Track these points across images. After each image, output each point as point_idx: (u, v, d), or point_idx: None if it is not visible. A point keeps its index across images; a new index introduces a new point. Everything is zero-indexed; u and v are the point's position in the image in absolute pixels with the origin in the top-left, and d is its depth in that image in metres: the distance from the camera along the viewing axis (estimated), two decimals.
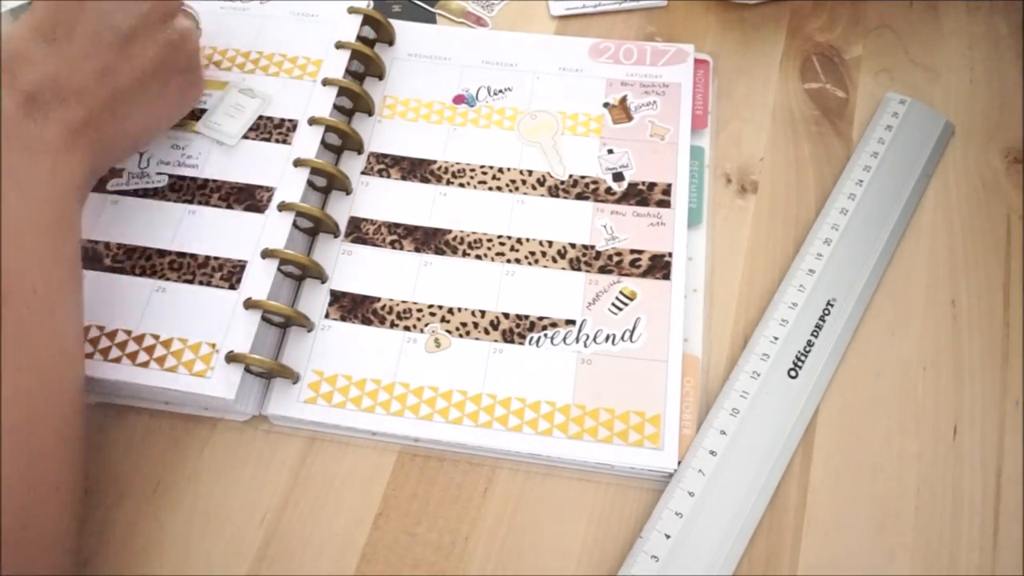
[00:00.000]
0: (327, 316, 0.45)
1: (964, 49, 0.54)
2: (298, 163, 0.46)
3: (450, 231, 0.47)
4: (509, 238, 0.47)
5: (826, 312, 0.44)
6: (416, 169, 0.49)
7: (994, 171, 0.50)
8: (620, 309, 0.44)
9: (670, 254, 0.46)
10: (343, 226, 0.47)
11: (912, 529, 0.40)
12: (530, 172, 0.49)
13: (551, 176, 0.48)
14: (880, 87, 0.53)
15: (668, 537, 0.39)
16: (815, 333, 0.44)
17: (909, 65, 0.54)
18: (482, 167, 0.49)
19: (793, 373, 0.43)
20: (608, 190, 0.48)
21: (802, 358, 0.43)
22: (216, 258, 0.44)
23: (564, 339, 0.44)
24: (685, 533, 0.39)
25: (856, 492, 0.41)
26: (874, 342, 0.45)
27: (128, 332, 0.42)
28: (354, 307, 0.45)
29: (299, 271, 0.45)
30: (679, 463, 0.41)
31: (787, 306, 0.45)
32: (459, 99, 0.52)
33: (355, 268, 0.46)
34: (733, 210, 0.49)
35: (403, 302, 0.45)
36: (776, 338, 0.44)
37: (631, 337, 0.44)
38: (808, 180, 0.50)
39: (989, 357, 0.44)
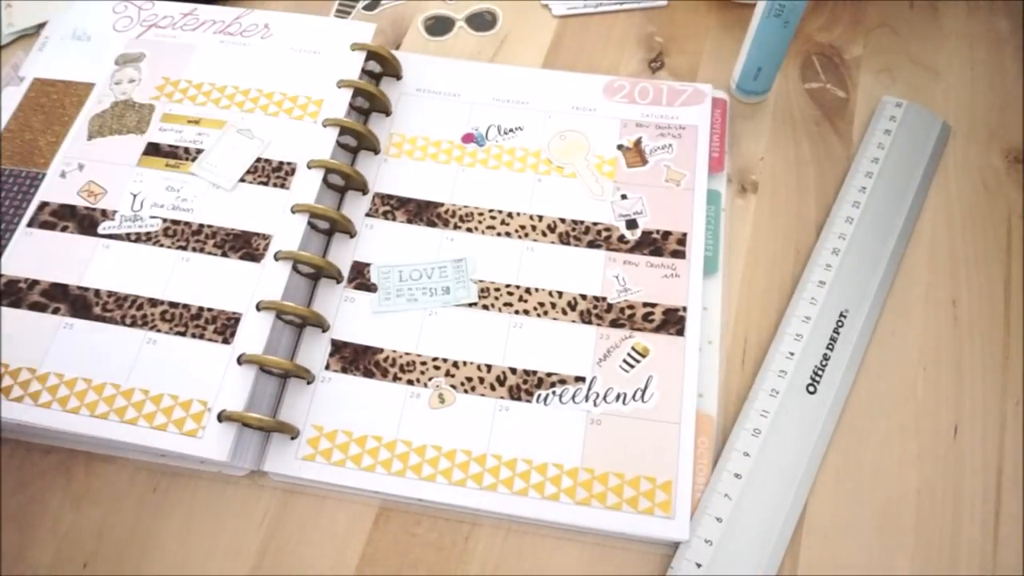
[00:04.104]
0: (328, 367, 0.43)
1: (964, 49, 0.54)
2: (296, 209, 0.44)
3: None
4: (517, 287, 0.45)
5: (839, 324, 0.44)
6: (423, 212, 0.47)
7: (995, 171, 0.49)
8: (632, 366, 0.42)
9: (684, 308, 0.44)
10: (346, 271, 0.45)
11: (912, 529, 0.40)
12: (540, 217, 0.47)
13: (591, 194, 0.47)
14: (880, 87, 0.52)
15: (699, 566, 0.38)
16: (830, 346, 0.43)
17: (909, 65, 0.53)
18: (491, 211, 0.47)
19: (812, 388, 0.42)
20: (621, 238, 0.46)
21: (819, 372, 0.42)
22: (210, 309, 0.42)
23: (573, 397, 0.42)
24: (717, 560, 0.38)
25: (856, 492, 0.41)
26: (874, 343, 0.44)
27: (116, 386, 0.40)
28: (356, 358, 0.43)
29: (299, 319, 0.43)
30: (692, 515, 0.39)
31: (800, 320, 0.44)
32: (468, 138, 0.50)
33: (358, 316, 0.44)
34: (734, 210, 0.48)
35: (406, 354, 0.43)
36: (792, 353, 0.43)
37: (643, 397, 0.42)
38: (808, 180, 0.49)
39: (989, 357, 0.44)
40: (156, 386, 0.40)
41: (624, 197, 0.47)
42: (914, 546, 0.39)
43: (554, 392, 0.42)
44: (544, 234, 0.46)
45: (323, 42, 0.51)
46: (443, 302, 0.44)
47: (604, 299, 0.44)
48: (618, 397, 0.42)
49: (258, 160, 0.47)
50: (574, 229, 0.46)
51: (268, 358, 0.40)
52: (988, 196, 0.48)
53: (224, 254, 0.44)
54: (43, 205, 0.46)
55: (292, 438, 0.41)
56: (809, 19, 0.55)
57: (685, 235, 0.46)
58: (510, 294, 0.44)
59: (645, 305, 0.44)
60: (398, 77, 0.52)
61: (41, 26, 0.55)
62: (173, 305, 0.43)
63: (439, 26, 0.56)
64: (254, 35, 0.52)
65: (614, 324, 0.43)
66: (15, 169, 0.48)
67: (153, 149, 0.48)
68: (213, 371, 0.41)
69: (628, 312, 0.44)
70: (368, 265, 0.45)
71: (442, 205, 0.47)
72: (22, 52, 0.54)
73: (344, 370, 0.43)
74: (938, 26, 0.55)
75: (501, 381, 0.42)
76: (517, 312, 0.44)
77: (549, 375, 0.42)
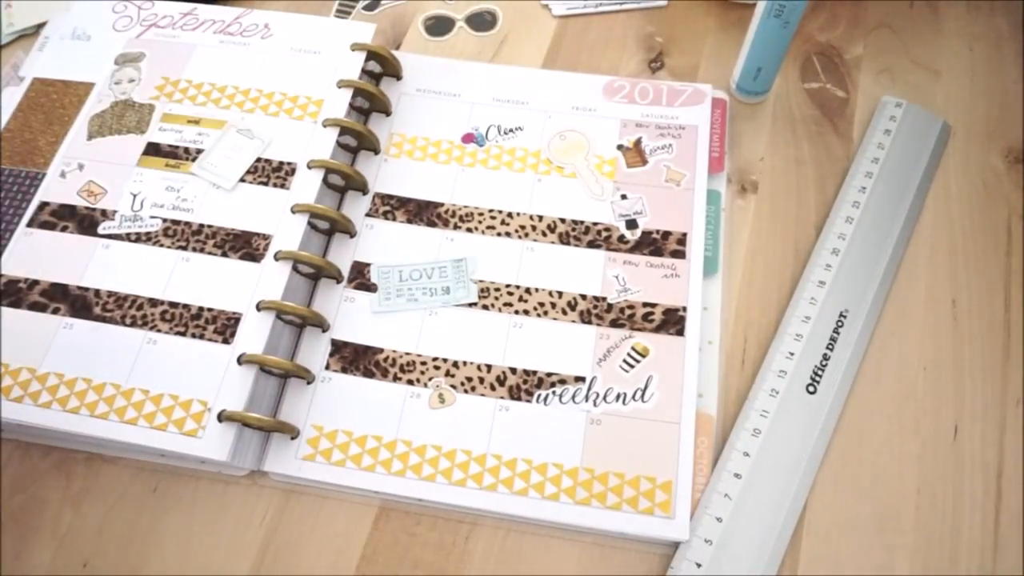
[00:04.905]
0: (328, 367, 0.43)
1: (964, 49, 0.54)
2: (296, 209, 0.44)
3: None
4: (517, 287, 0.45)
5: (839, 324, 0.44)
6: (423, 212, 0.47)
7: (995, 171, 0.49)
8: (632, 366, 0.42)
9: (684, 308, 0.44)
10: (346, 271, 0.45)
11: (912, 529, 0.40)
12: (540, 217, 0.47)
13: (590, 194, 0.47)
14: (880, 87, 0.52)
15: (699, 566, 0.38)
16: (830, 346, 0.43)
17: (909, 65, 0.53)
18: (491, 211, 0.47)
19: (812, 388, 0.42)
20: (621, 238, 0.46)
21: (819, 372, 0.42)
22: (210, 309, 0.42)
23: (573, 397, 0.42)
24: (717, 560, 0.38)
25: (856, 492, 0.41)
26: (874, 343, 0.44)
27: (116, 386, 0.40)
28: (356, 358, 0.43)
29: (299, 319, 0.43)
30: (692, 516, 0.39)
31: (800, 320, 0.44)
32: (468, 138, 0.50)
33: (358, 316, 0.44)
34: (733, 210, 0.48)
35: (406, 354, 0.43)
36: (792, 353, 0.43)
37: (643, 396, 0.42)
38: (808, 180, 0.49)
39: (989, 357, 0.44)
40: (156, 386, 0.40)
41: (624, 197, 0.47)
42: (914, 546, 0.39)
43: (554, 392, 0.42)
44: (544, 234, 0.46)
45: (323, 42, 0.51)
46: (443, 302, 0.44)
47: (604, 299, 0.44)
48: (618, 397, 0.42)
49: (258, 160, 0.47)
50: (574, 229, 0.46)
51: (268, 358, 0.40)
52: (988, 196, 0.48)
53: (224, 254, 0.44)
54: (43, 205, 0.46)
55: (292, 438, 0.41)
56: (809, 19, 0.55)
57: (685, 235, 0.46)
58: (510, 294, 0.44)
59: (645, 305, 0.44)
60: (398, 77, 0.52)
61: (41, 26, 0.55)
62: (173, 305, 0.43)
63: (439, 26, 0.56)
64: (254, 35, 0.52)
65: (614, 324, 0.43)
66: (15, 169, 0.48)
67: (153, 149, 0.48)
68: (213, 371, 0.41)
69: (628, 312, 0.44)
70: (368, 265, 0.45)
71: (442, 205, 0.47)
72: (22, 52, 0.54)
73: (344, 370, 0.43)
74: (938, 26, 0.55)
75: (501, 381, 0.42)
76: (517, 312, 0.44)
77: (549, 375, 0.42)
